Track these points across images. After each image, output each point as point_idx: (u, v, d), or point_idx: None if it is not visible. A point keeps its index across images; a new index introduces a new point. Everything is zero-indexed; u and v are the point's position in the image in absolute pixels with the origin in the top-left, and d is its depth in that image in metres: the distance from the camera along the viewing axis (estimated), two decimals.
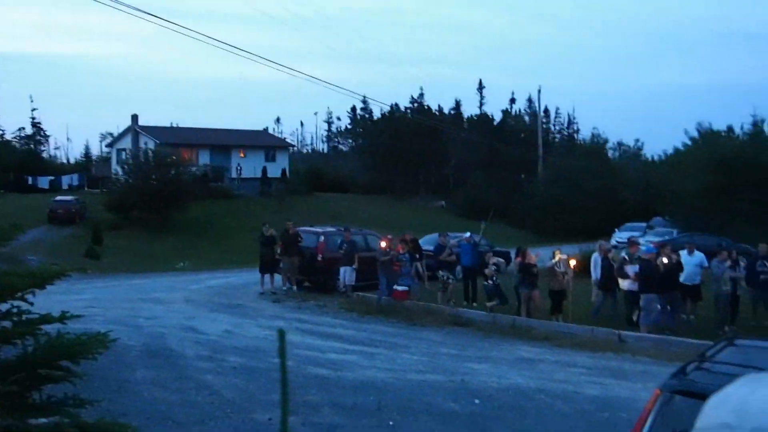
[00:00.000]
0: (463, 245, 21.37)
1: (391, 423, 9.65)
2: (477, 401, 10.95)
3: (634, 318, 16.70)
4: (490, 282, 19.04)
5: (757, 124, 47.51)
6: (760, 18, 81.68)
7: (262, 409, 9.58)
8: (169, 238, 39.91)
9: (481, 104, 65.63)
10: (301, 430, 8.79)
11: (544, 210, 47.31)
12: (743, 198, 34.32)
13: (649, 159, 59.99)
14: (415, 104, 67.17)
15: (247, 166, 55.49)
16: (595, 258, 18.92)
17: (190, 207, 44.21)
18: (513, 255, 21.55)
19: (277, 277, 22.59)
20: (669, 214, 37.28)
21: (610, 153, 63.67)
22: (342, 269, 21.26)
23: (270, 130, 67.32)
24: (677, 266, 16.85)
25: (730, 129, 48.84)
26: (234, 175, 54.52)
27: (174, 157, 45.31)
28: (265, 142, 61.43)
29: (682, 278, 16.76)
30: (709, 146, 43.07)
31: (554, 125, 64.88)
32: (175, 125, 59.61)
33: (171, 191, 42.40)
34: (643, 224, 34.96)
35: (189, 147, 52.01)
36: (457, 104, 66.91)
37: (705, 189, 37.96)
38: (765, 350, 8.07)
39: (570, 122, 64.33)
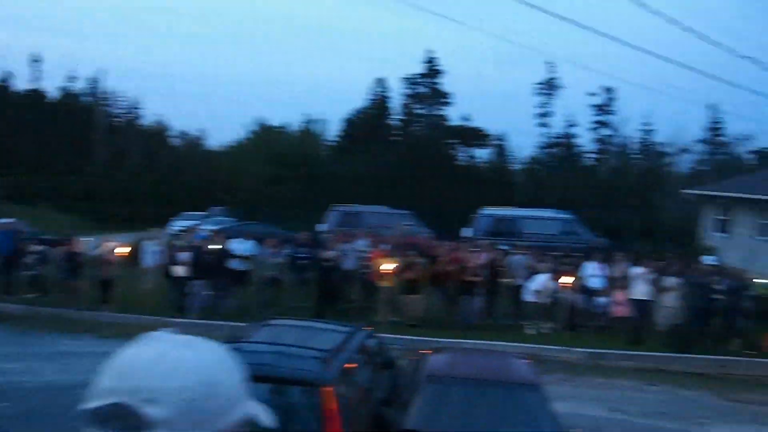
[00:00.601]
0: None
1: None
2: (5, 404, 9.90)
3: (185, 304, 16.66)
4: (31, 272, 17.43)
5: (308, 122, 51.69)
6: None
7: None
8: None
9: (36, 79, 60.01)
10: None
11: (101, 196, 45.25)
12: (293, 189, 36.85)
13: (213, 149, 60.95)
14: None
15: None
16: (148, 246, 18.51)
17: None
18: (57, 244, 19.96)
19: None
20: (228, 203, 38.29)
21: (173, 141, 63.31)
22: None
23: None
24: (226, 253, 17.20)
25: (285, 125, 52.34)
26: None
27: None
28: None
29: (231, 264, 17.11)
30: (266, 140, 45.57)
31: (118, 108, 62.08)
32: None
33: None
34: (203, 213, 35.31)
35: None
36: (7, 76, 60.39)
37: (261, 180, 39.98)
38: (293, 328, 8.51)
39: (135, 107, 62.15)
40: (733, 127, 56.73)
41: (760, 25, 75.97)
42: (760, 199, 26.14)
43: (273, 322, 8.78)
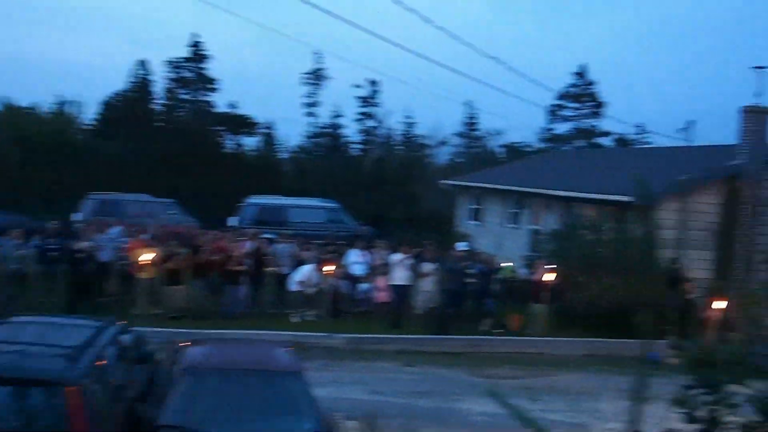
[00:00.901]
0: None
1: None
2: None
3: None
4: None
5: (62, 104, 48.17)
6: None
7: None
8: None
9: None
10: None
11: None
12: (43, 175, 34.26)
13: None
14: None
15: None
16: None
17: None
18: None
19: None
20: None
21: None
22: None
23: None
24: None
25: (34, 106, 48.31)
26: None
27: None
28: None
29: None
30: (11, 122, 41.86)
31: None
32: None
33: None
34: None
35: None
36: None
37: (3, 165, 36.63)
38: (36, 325, 7.88)
39: None
40: (486, 123, 61.10)
41: (509, 26, 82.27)
42: (507, 190, 28.23)
43: (13, 319, 8.07)
